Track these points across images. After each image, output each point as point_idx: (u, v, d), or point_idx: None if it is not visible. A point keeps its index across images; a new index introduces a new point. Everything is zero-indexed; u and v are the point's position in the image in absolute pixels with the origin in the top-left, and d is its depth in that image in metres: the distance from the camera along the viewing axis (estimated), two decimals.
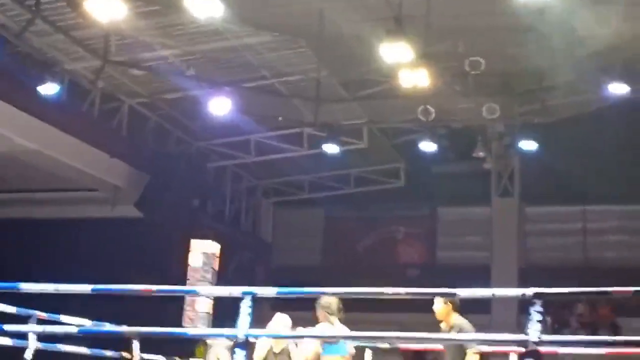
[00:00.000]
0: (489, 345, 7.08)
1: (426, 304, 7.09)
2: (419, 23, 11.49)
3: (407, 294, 4.95)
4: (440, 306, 7.30)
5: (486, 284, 15.44)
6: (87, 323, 7.70)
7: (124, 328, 6.01)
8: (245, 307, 5.02)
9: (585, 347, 6.51)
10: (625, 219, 17.01)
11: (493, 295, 5.15)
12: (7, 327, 5.85)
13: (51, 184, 16.29)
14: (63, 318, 7.64)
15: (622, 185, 16.21)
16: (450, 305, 7.30)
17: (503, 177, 17.32)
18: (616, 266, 16.00)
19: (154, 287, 5.54)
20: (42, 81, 12.08)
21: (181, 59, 13.29)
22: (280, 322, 7.58)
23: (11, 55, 12.36)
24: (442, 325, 7.28)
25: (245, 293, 5.05)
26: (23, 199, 17.07)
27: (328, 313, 7.08)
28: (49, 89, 12.13)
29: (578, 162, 16.17)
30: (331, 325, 6.98)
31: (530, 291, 4.56)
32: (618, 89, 12.91)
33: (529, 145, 14.84)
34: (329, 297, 6.88)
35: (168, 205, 15.42)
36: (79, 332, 5.99)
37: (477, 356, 7.19)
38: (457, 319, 7.35)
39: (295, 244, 18.64)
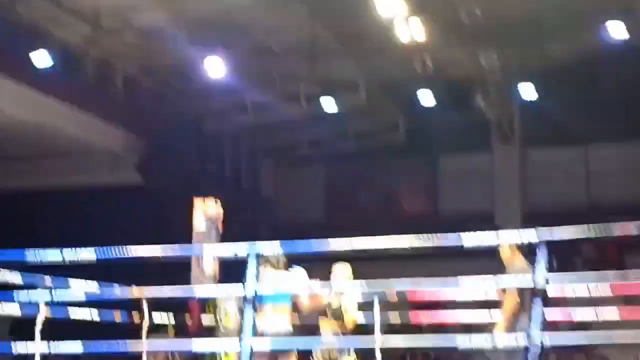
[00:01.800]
0: (497, 289, 7.05)
1: (432, 254, 7.08)
2: None
3: (412, 248, 4.95)
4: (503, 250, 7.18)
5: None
6: (94, 287, 7.70)
7: (132, 289, 6.02)
8: (252, 266, 5.02)
9: (591, 282, 6.48)
10: (628, 159, 16.96)
11: (497, 237, 5.13)
12: (17, 296, 5.86)
13: (50, 154, 16.23)
14: (71, 282, 7.62)
15: (624, 125, 16.18)
16: (514, 250, 7.18)
17: (503, 125, 17.23)
18: (620, 207, 15.99)
19: (160, 250, 5.52)
20: (34, 51, 11.99)
21: (173, 22, 13.14)
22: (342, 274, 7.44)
23: (2, 26, 12.24)
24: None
25: (249, 250, 5.05)
26: (22, 169, 16.97)
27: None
28: (42, 58, 12.04)
29: (578, 106, 16.10)
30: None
31: (534, 234, 4.55)
32: (615, 30, 12.80)
33: (528, 91, 14.78)
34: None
35: (168, 169, 15.39)
36: (88, 297, 6.00)
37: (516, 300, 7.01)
38: (517, 264, 7.17)
39: (297, 203, 18.64)
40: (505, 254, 7.26)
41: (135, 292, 5.92)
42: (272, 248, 5.32)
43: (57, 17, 12.59)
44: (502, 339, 4.95)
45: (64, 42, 13.05)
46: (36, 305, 6.95)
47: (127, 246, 5.57)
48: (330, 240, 5.09)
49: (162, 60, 14.40)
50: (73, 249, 5.64)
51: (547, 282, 4.42)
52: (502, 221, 16.40)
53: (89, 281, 7.65)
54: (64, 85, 13.53)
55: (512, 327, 6.88)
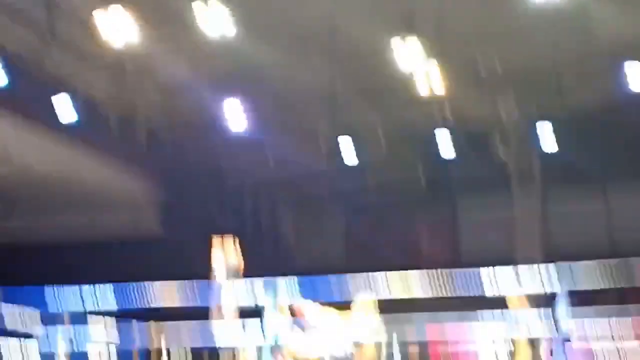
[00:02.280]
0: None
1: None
2: (432, 27, 11.49)
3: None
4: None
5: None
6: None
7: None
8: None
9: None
10: None
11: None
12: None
13: (73, 205, 16.31)
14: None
15: None
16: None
17: (524, 173, 17.12)
18: None
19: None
20: (60, 104, 12.16)
21: (197, 77, 13.30)
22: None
23: (29, 79, 12.44)
24: None
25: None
26: (45, 221, 17.04)
27: None
28: (67, 112, 12.20)
29: (598, 151, 15.99)
30: None
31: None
32: (634, 75, 12.82)
33: (548, 138, 14.71)
34: None
35: (189, 222, 15.42)
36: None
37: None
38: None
39: (319, 253, 18.59)
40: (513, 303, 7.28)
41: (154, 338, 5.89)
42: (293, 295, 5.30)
43: (82, 72, 12.78)
44: None
45: (89, 96, 13.22)
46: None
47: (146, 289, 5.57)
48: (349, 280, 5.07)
49: (185, 113, 14.54)
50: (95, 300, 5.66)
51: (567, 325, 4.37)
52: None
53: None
54: (89, 139, 13.69)
55: None
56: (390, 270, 16.44)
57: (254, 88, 13.82)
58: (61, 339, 6.87)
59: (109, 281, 15.12)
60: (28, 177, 13.89)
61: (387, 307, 6.62)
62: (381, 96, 14.38)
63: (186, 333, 5.86)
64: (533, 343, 5.46)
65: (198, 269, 15.35)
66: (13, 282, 13.92)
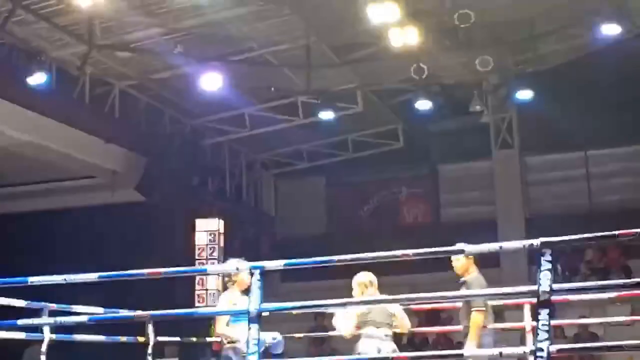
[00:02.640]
0: (501, 299, 7.05)
1: (435, 264, 7.06)
2: None
3: (415, 254, 4.90)
4: (458, 262, 7.33)
5: (493, 237, 15.39)
6: (99, 311, 7.68)
7: (135, 313, 5.97)
8: (255, 282, 4.98)
9: (597, 292, 6.47)
10: (628, 160, 16.92)
11: (500, 248, 5.08)
12: (21, 322, 5.81)
13: (48, 175, 16.24)
14: (75, 308, 7.62)
15: (622, 126, 16.14)
16: (469, 260, 7.32)
17: (501, 129, 17.22)
18: (622, 209, 15.95)
19: (162, 270, 5.48)
20: (30, 71, 11.98)
21: (167, 37, 13.14)
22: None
23: None
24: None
25: (254, 267, 5.01)
26: (21, 191, 17.01)
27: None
28: (37, 78, 12.03)
29: (576, 108, 16.07)
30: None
31: (537, 241, 4.51)
32: (610, 30, 12.78)
33: (525, 94, 14.77)
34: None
35: (168, 186, 15.39)
36: (91, 319, 5.95)
37: (482, 315, 7.18)
38: (471, 274, 7.37)
39: (298, 214, 18.60)
40: (459, 264, 7.33)
41: (137, 315, 5.86)
42: (276, 265, 5.27)
43: (51, 37, 12.57)
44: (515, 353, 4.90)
45: (59, 62, 13.03)
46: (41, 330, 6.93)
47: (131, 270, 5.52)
48: (335, 257, 5.04)
49: (158, 76, 14.38)
50: (74, 274, 5.60)
51: (551, 290, 4.37)
52: (504, 227, 16.37)
53: (92, 307, 7.64)
54: (60, 105, 13.52)
55: (480, 342, 6.94)
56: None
57: (227, 47, 13.68)
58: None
59: (88, 252, 15.18)
60: None
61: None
62: (355, 53, 14.26)
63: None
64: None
65: (178, 234, 15.48)
66: None
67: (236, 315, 6.80)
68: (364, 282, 7.56)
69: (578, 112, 16.07)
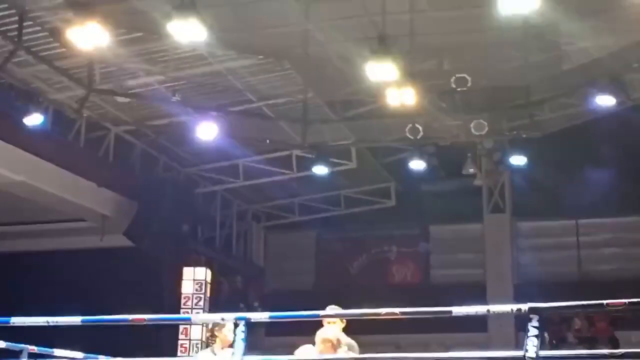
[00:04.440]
0: None
1: (422, 324, 6.99)
2: (403, 41, 11.50)
3: (402, 313, 4.86)
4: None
5: (481, 301, 15.32)
6: (79, 356, 7.56)
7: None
8: (240, 333, 4.93)
9: None
10: (619, 231, 16.97)
11: (488, 311, 5.05)
12: None
13: (39, 216, 16.17)
14: (56, 352, 7.52)
15: (614, 197, 16.20)
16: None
17: (494, 193, 17.28)
18: (612, 279, 15.93)
19: (146, 317, 5.43)
20: (26, 112, 12.04)
21: (166, 85, 13.24)
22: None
23: None
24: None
25: (239, 318, 4.97)
26: (11, 231, 16.93)
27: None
28: (33, 119, 12.07)
29: (568, 176, 16.14)
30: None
31: (526, 306, 4.49)
32: (605, 101, 12.92)
33: (518, 160, 14.84)
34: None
35: (158, 233, 15.32)
36: None
37: None
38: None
39: (287, 268, 18.52)
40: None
41: None
42: (261, 316, 5.23)
43: (50, 79, 12.64)
44: None
45: (57, 104, 13.08)
46: None
47: (114, 315, 5.46)
48: (320, 311, 5.01)
49: (155, 122, 14.44)
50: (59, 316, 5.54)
51: (538, 357, 4.33)
52: (493, 291, 16.31)
53: (73, 352, 7.52)
54: (55, 147, 13.53)
55: None
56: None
57: (225, 98, 13.77)
58: None
59: (75, 296, 15.04)
60: None
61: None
62: (352, 110, 14.37)
63: None
64: None
65: (166, 281, 15.36)
66: None
67: None
68: (331, 340, 7.14)
69: (571, 179, 16.14)
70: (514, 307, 4.61)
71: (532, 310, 4.45)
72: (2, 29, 11.10)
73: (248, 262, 18.73)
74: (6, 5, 10.82)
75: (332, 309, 6.70)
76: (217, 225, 17.47)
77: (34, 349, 7.19)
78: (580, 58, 12.67)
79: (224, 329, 6.72)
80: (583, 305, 4.61)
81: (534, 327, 4.43)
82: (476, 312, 4.92)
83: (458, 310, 5.05)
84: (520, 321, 4.73)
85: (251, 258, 18.88)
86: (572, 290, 14.53)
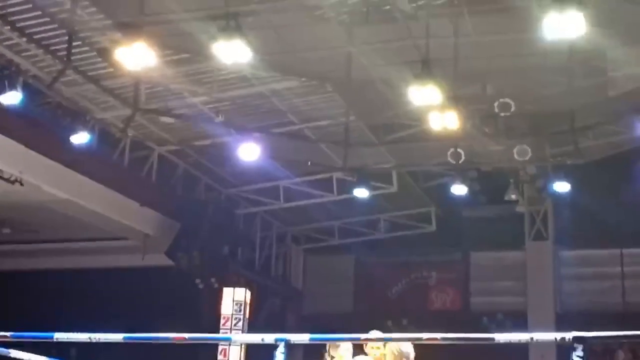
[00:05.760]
0: None
1: (460, 353, 6.90)
2: (447, 65, 11.46)
3: (443, 339, 4.81)
4: None
5: (522, 330, 15.12)
6: None
7: None
8: (279, 354, 4.91)
9: None
10: None
11: (532, 339, 4.97)
12: None
13: (82, 234, 16.36)
14: None
15: None
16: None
17: (536, 220, 17.08)
18: None
19: (186, 335, 5.44)
20: (73, 130, 12.23)
21: (210, 106, 13.35)
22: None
23: (43, 105, 12.53)
24: None
25: (278, 339, 4.95)
26: (54, 248, 17.14)
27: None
28: (80, 138, 12.26)
29: (612, 204, 15.91)
30: None
31: (570, 335, 4.41)
32: None
33: (561, 187, 14.65)
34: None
35: (198, 252, 15.39)
36: None
37: None
38: None
39: (326, 291, 18.47)
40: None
41: None
42: (301, 338, 5.21)
43: (97, 98, 12.84)
44: None
45: (102, 123, 13.26)
46: None
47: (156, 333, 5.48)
48: (361, 335, 4.98)
49: (198, 143, 14.57)
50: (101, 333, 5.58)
51: None
52: (534, 320, 16.07)
53: None
54: (100, 166, 13.71)
55: None
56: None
57: (268, 119, 13.85)
58: None
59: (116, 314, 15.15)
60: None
61: None
62: (394, 133, 14.35)
63: None
64: None
65: (206, 301, 15.40)
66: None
67: None
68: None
69: (615, 208, 15.90)
70: (558, 335, 4.53)
71: (576, 339, 4.37)
72: (51, 48, 11.31)
73: (287, 284, 18.72)
74: (56, 26, 11.03)
75: (374, 334, 6.66)
76: (257, 247, 17.51)
77: None
78: (626, 85, 12.51)
79: (339, 349, 6.58)
80: (630, 336, 4.52)
81: (578, 356, 4.35)
82: (519, 340, 4.84)
83: (500, 337, 4.97)
84: (563, 351, 4.64)
85: (290, 280, 18.87)
86: (616, 321, 14.31)
